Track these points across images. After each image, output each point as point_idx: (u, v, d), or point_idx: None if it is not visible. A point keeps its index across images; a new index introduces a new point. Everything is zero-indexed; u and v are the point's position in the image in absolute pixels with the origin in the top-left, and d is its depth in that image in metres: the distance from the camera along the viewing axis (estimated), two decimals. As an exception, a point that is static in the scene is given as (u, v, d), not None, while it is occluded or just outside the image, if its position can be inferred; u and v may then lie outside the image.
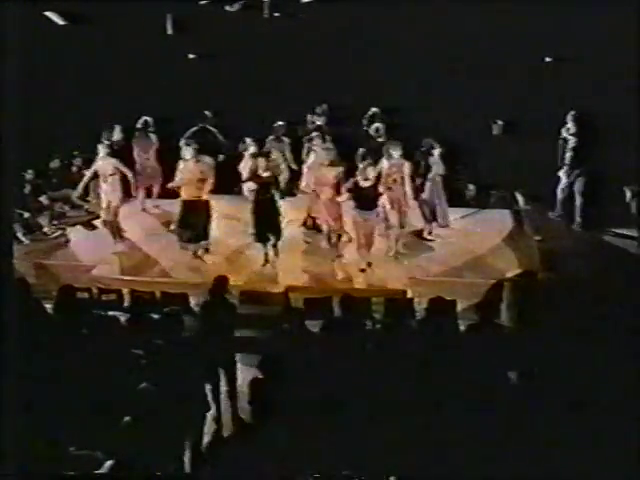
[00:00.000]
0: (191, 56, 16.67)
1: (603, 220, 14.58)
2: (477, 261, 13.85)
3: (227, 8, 17.06)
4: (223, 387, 12.20)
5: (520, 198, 15.22)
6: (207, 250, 14.26)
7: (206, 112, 15.99)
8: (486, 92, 15.62)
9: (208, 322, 12.94)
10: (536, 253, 13.81)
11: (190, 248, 14.21)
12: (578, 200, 14.91)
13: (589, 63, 15.59)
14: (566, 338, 12.46)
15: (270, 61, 16.06)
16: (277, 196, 13.97)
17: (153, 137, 15.44)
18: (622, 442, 11.45)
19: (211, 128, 15.92)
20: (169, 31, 16.91)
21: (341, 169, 13.93)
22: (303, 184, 14.24)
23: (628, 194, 14.81)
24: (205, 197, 14.14)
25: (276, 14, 16.94)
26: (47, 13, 16.94)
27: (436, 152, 14.59)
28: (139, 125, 15.57)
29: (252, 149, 14.88)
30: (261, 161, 13.98)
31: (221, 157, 15.25)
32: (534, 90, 15.60)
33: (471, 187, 15.38)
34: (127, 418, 11.95)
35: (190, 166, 14.03)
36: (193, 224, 14.14)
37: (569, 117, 15.25)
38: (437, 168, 14.44)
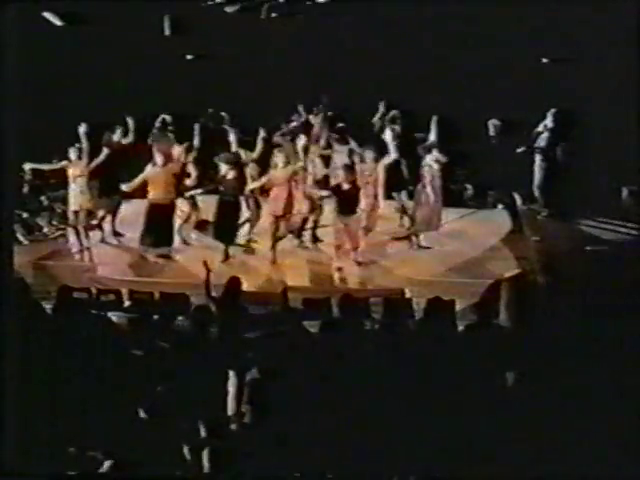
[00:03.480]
0: (189, 57, 16.65)
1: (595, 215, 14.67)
2: (475, 261, 13.86)
3: (226, 9, 17.05)
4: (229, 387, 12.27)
5: (518, 198, 15.24)
6: (168, 257, 14.12)
7: (209, 110, 15.96)
8: (484, 92, 15.62)
9: (208, 323, 13.02)
10: (534, 253, 13.83)
11: (149, 252, 14.08)
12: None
13: (587, 63, 15.61)
14: (564, 338, 12.51)
15: (268, 62, 16.06)
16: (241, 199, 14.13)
17: (171, 137, 15.39)
18: (622, 441, 11.50)
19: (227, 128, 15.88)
20: (167, 32, 16.88)
21: (291, 169, 14.05)
22: (252, 186, 14.26)
23: (625, 192, 14.85)
24: (173, 197, 14.14)
25: (274, 15, 16.92)
26: (45, 14, 16.89)
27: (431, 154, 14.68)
28: (158, 124, 15.46)
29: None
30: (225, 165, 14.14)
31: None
32: (531, 90, 15.61)
33: (469, 187, 15.39)
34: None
35: (157, 171, 14.04)
36: (157, 229, 14.07)
37: (549, 114, 15.37)
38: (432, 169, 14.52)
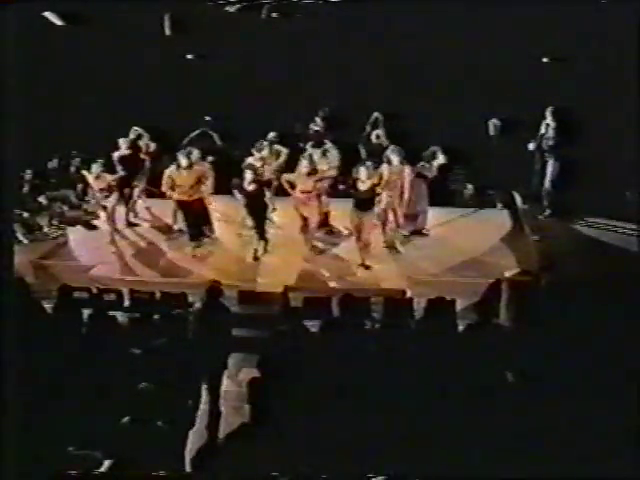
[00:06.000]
0: (189, 57, 16.68)
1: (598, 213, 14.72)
2: (475, 261, 13.87)
3: (226, 9, 17.07)
4: (222, 387, 12.26)
5: (518, 198, 15.26)
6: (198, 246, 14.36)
7: (206, 117, 16.06)
8: (483, 92, 15.65)
9: (206, 323, 13.04)
10: (534, 253, 13.84)
11: (194, 246, 14.31)
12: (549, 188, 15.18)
13: (587, 63, 15.63)
14: (564, 338, 12.51)
15: (268, 62, 16.08)
16: (268, 199, 14.24)
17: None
18: (621, 440, 11.50)
19: (211, 133, 15.98)
20: (167, 32, 16.90)
21: (317, 177, 14.09)
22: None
23: (627, 192, 14.89)
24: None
25: (274, 15, 16.93)
26: (45, 14, 16.92)
27: (436, 162, 14.84)
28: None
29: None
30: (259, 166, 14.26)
31: (210, 158, 15.16)
32: (531, 90, 15.63)
33: (469, 187, 15.43)
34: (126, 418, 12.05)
35: (184, 174, 14.10)
36: (192, 223, 14.27)
37: (548, 113, 15.41)
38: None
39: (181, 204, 14.33)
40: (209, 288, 13.19)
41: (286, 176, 14.21)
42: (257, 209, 14.10)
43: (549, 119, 15.42)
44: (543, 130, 15.45)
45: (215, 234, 14.58)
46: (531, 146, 15.39)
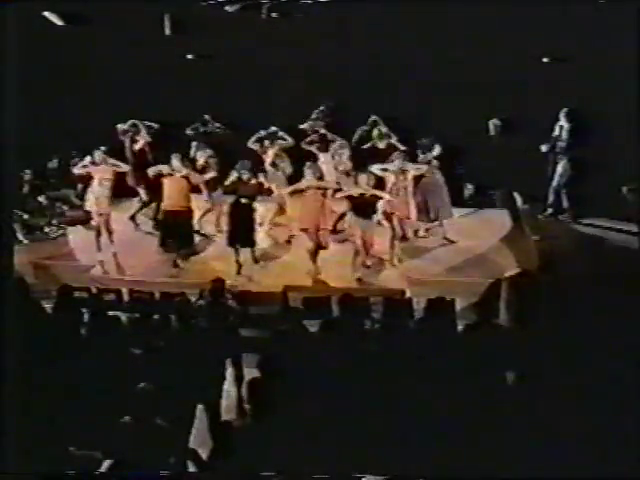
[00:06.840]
0: (189, 56, 16.68)
1: (596, 214, 14.72)
2: (475, 261, 13.86)
3: (226, 9, 17.08)
4: (223, 387, 12.28)
5: (518, 198, 15.26)
6: (186, 258, 14.12)
7: (205, 116, 16.05)
8: (484, 92, 15.64)
9: (206, 323, 13.06)
10: (534, 253, 13.83)
11: (172, 257, 14.08)
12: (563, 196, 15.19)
13: (587, 63, 15.64)
14: (564, 338, 12.52)
15: (268, 62, 16.07)
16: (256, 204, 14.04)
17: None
18: (621, 440, 11.51)
19: (206, 128, 15.97)
20: (167, 32, 16.91)
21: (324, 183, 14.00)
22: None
23: (626, 192, 14.88)
24: (190, 204, 14.14)
25: (274, 15, 16.95)
26: (45, 13, 16.93)
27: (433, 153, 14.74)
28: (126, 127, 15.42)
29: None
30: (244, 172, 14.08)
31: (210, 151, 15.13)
32: (531, 90, 15.64)
33: (469, 187, 15.42)
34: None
35: (175, 178, 13.99)
36: (175, 234, 14.05)
37: (562, 115, 15.41)
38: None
39: (167, 215, 14.04)
40: (212, 287, 13.19)
41: (292, 187, 14.10)
42: (242, 218, 13.86)
43: (562, 121, 15.40)
44: (557, 132, 15.44)
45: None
46: (544, 148, 15.38)
